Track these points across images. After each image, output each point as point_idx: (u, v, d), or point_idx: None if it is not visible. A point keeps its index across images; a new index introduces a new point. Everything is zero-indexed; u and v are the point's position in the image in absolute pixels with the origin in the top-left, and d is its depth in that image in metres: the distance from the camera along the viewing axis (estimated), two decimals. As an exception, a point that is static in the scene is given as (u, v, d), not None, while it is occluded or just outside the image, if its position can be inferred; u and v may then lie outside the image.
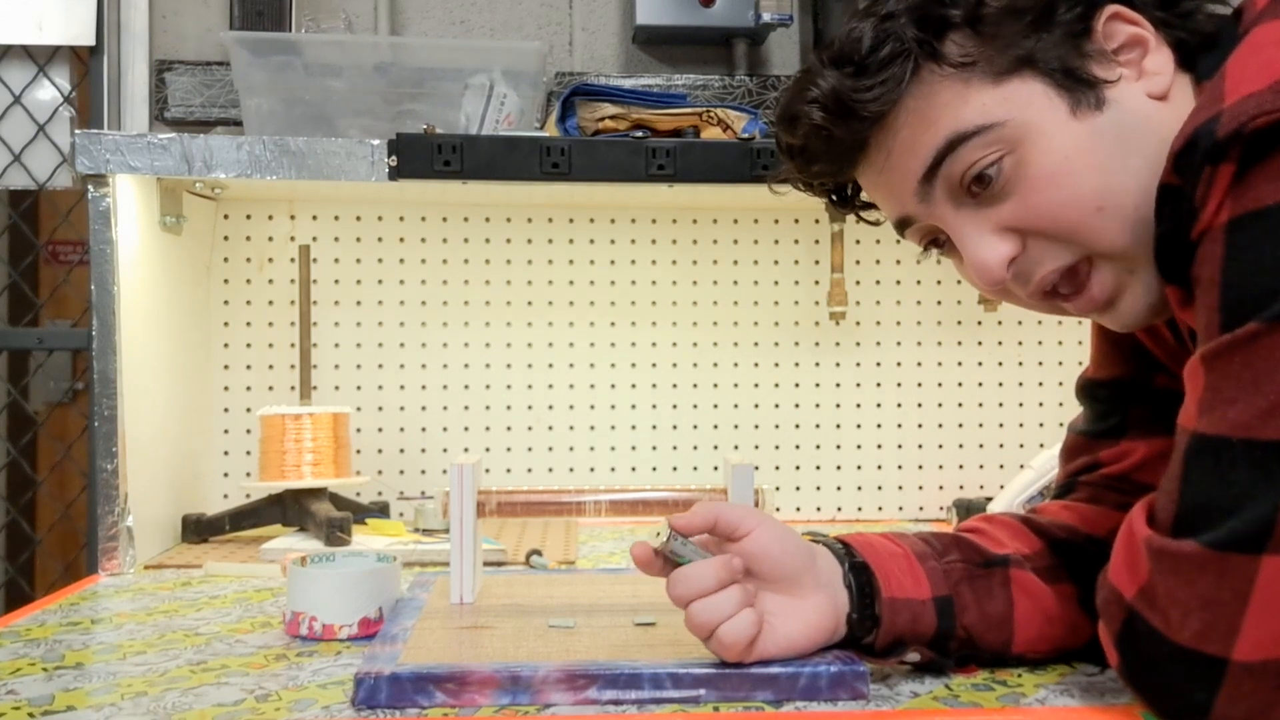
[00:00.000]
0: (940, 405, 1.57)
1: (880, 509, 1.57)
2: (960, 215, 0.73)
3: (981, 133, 0.70)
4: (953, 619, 0.76)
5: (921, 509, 1.57)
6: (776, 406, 1.56)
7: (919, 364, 1.57)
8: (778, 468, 1.56)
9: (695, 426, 1.56)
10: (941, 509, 1.56)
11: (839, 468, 1.57)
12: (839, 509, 1.57)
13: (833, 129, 0.73)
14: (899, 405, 1.57)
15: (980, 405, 1.58)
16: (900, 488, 1.57)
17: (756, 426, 1.56)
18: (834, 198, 0.83)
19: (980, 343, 1.58)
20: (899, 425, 1.57)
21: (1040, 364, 1.58)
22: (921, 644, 0.76)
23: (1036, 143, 0.69)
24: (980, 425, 1.57)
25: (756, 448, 1.56)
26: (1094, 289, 0.72)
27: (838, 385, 1.57)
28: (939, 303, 1.57)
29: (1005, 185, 0.70)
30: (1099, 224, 0.69)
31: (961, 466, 1.57)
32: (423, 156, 1.24)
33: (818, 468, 1.57)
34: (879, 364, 1.57)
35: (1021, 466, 1.39)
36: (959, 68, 0.70)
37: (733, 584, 0.73)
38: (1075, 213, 0.69)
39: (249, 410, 1.49)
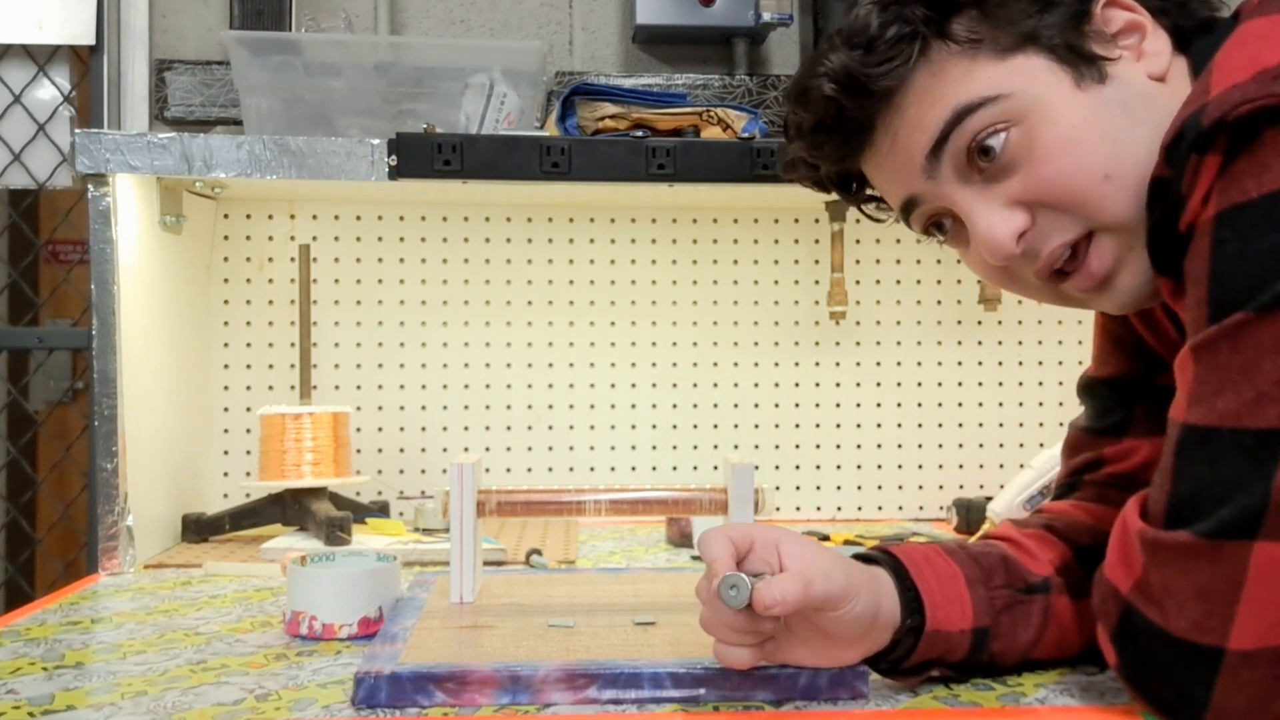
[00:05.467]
0: (940, 405, 1.57)
1: (880, 509, 1.57)
2: (968, 192, 0.73)
3: (987, 104, 0.70)
4: (984, 649, 0.75)
5: (921, 509, 1.57)
6: (776, 406, 1.56)
7: (919, 364, 1.57)
8: (778, 468, 1.56)
9: (695, 426, 1.56)
10: (941, 509, 1.56)
11: (839, 468, 1.57)
12: (839, 509, 1.57)
13: (843, 100, 0.74)
14: (899, 405, 1.57)
15: (980, 405, 1.58)
16: (900, 488, 1.57)
17: (756, 426, 1.56)
18: (836, 185, 0.83)
19: (980, 343, 1.58)
20: (899, 425, 1.57)
21: (1040, 364, 1.58)
22: (944, 665, 0.75)
23: (1043, 114, 0.70)
24: (980, 425, 1.57)
25: (756, 448, 1.56)
26: (1092, 263, 0.71)
27: (838, 385, 1.57)
28: (939, 303, 1.57)
29: (1012, 159, 0.71)
30: (1106, 192, 0.69)
31: (961, 466, 1.57)
32: (423, 156, 1.24)
33: (818, 468, 1.57)
34: (879, 364, 1.57)
35: (1021, 466, 1.39)
36: (966, 46, 0.71)
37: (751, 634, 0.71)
38: (1083, 181, 0.69)
39: (249, 410, 1.49)
